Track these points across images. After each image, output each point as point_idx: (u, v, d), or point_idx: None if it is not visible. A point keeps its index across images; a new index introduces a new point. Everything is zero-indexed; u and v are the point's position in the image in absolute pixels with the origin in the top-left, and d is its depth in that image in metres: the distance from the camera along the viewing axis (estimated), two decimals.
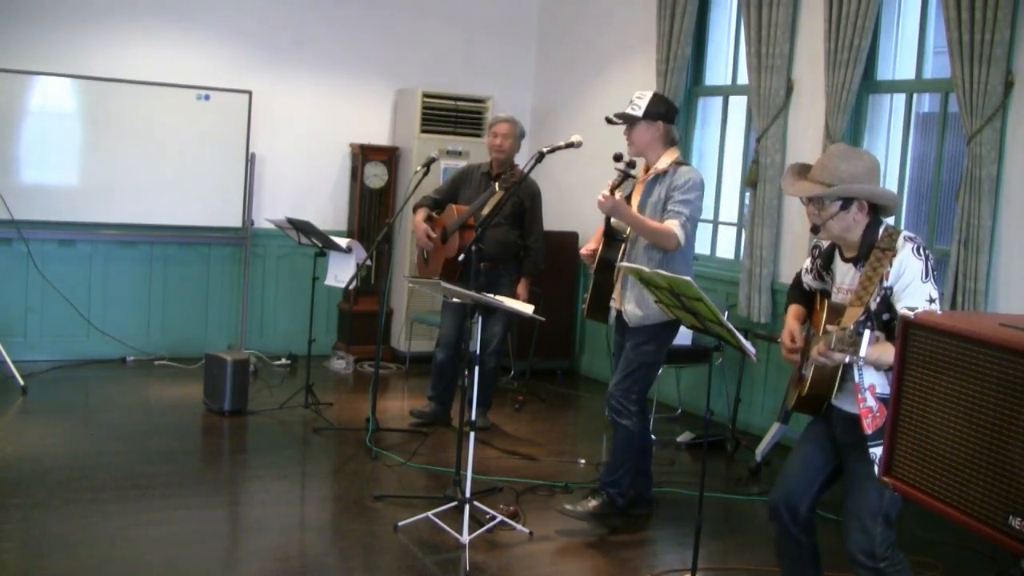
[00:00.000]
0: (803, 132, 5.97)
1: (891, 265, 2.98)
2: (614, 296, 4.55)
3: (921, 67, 5.60)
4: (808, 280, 3.40)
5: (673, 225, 4.29)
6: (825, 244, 3.30)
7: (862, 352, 2.74)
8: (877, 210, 3.11)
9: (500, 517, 4.41)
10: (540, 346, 7.32)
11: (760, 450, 5.52)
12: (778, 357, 6.00)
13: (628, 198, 4.53)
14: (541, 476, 5.18)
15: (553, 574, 4.09)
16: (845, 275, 3.17)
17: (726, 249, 6.81)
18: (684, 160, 4.48)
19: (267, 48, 7.48)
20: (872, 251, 3.05)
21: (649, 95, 4.44)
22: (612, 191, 4.30)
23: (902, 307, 2.93)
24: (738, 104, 6.73)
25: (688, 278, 3.52)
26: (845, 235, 3.12)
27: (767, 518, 3.35)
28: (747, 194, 6.27)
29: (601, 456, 5.76)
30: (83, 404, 6.16)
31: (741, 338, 3.60)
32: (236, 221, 7.34)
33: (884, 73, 5.75)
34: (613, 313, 4.59)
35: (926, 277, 2.96)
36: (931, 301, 2.94)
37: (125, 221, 7.04)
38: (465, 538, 4.11)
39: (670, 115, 4.49)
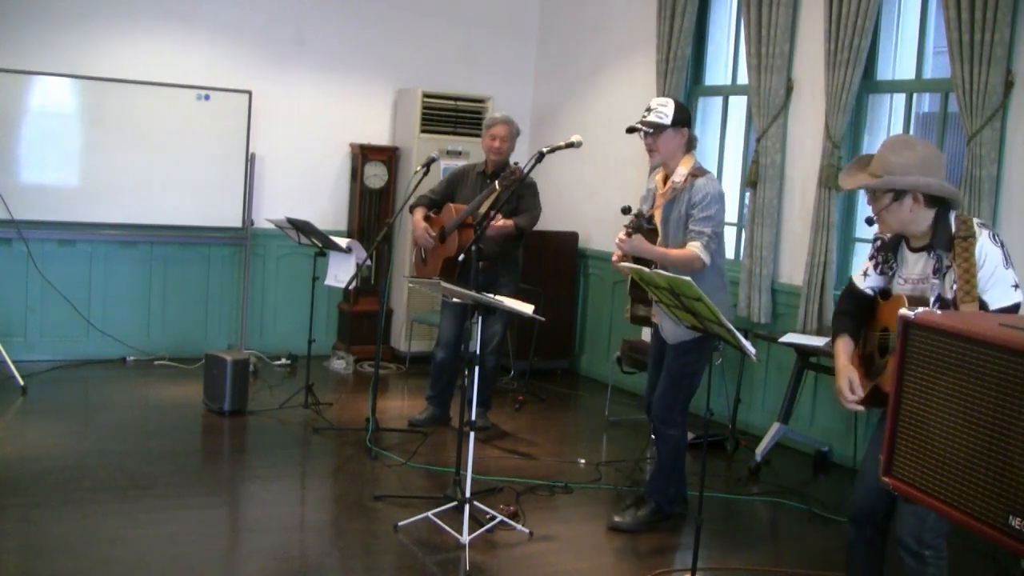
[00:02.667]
0: (803, 132, 5.97)
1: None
2: (651, 311, 4.50)
3: (921, 67, 5.59)
4: (871, 282, 3.23)
5: (695, 248, 4.24)
6: (888, 236, 3.20)
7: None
8: (943, 201, 3.03)
9: (500, 517, 4.41)
10: (540, 346, 7.32)
11: (760, 450, 5.52)
12: (778, 357, 6.00)
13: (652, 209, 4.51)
14: (541, 476, 5.18)
15: (553, 574, 4.08)
16: (915, 265, 3.10)
17: (726, 249, 6.80)
18: (700, 167, 4.42)
19: (267, 48, 7.48)
20: (954, 242, 2.96)
21: (671, 103, 4.39)
22: (629, 236, 4.22)
23: (988, 297, 2.89)
24: (738, 104, 6.73)
25: (688, 278, 3.52)
26: (905, 227, 3.06)
27: (850, 524, 3.28)
28: (747, 194, 6.27)
29: (601, 456, 5.76)
30: (83, 404, 6.17)
31: (741, 338, 3.60)
32: (236, 221, 7.34)
33: (884, 73, 5.75)
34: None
35: (1007, 264, 2.94)
36: (1015, 287, 2.92)
37: (125, 221, 7.04)
38: (465, 538, 4.11)
39: (690, 121, 4.48)
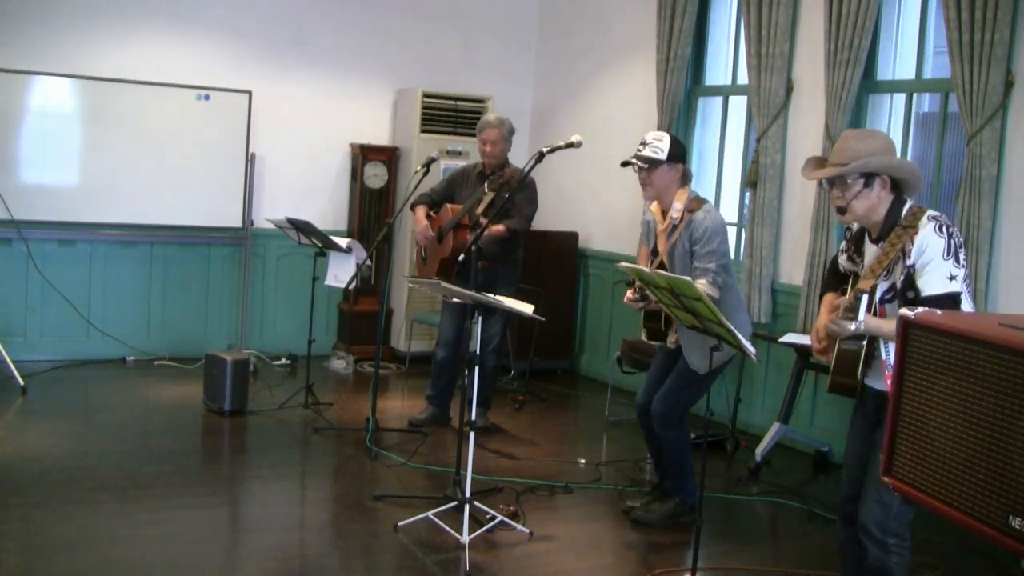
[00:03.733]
0: (803, 132, 5.97)
1: (913, 243, 3.00)
2: (671, 340, 4.51)
3: (921, 67, 5.59)
4: (842, 261, 3.39)
5: (702, 285, 4.20)
6: (856, 226, 3.29)
7: (860, 316, 2.87)
8: (900, 189, 3.12)
9: (500, 517, 4.41)
10: (540, 346, 7.32)
11: (760, 450, 5.52)
12: (778, 357, 6.00)
13: (655, 248, 4.50)
14: (541, 476, 5.18)
15: (553, 574, 4.08)
16: (873, 257, 3.17)
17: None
18: (696, 199, 4.40)
19: (267, 48, 7.48)
20: (894, 228, 3.06)
21: (666, 137, 4.37)
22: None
23: (921, 283, 2.96)
24: (738, 104, 6.73)
25: (687, 278, 3.52)
26: (870, 215, 3.12)
27: (838, 519, 3.36)
28: (747, 194, 6.27)
29: (601, 456, 5.76)
30: (83, 404, 6.17)
31: (741, 338, 3.60)
32: (236, 221, 7.34)
33: (884, 73, 5.75)
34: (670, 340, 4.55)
35: (948, 255, 2.97)
36: (951, 278, 2.95)
37: (125, 221, 7.04)
38: (465, 538, 4.11)
39: (685, 156, 4.46)
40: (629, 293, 4.30)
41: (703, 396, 4.53)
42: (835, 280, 3.45)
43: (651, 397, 4.58)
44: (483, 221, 5.31)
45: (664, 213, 4.45)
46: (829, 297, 3.39)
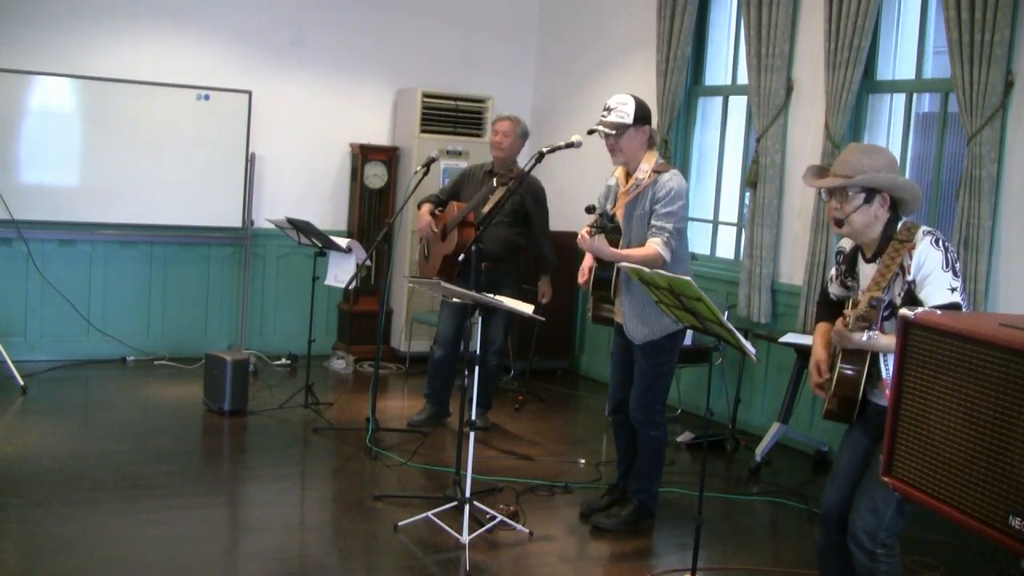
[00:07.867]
0: (803, 132, 5.97)
1: (911, 258, 3.00)
2: (615, 311, 4.48)
3: (921, 67, 5.60)
4: (834, 289, 3.36)
5: (655, 244, 4.21)
6: (848, 247, 3.28)
7: (877, 325, 2.82)
8: (897, 207, 3.11)
9: (500, 517, 4.41)
10: (540, 346, 7.32)
11: (760, 450, 5.52)
12: (778, 357, 6.00)
13: (613, 207, 4.49)
14: (541, 476, 5.18)
15: (553, 574, 4.08)
16: (870, 276, 3.14)
17: (726, 249, 6.81)
18: (664, 163, 4.39)
19: (267, 48, 7.48)
20: (890, 243, 3.05)
21: (631, 100, 4.33)
22: (591, 235, 4.21)
23: (923, 296, 2.95)
24: (738, 104, 6.73)
25: (688, 278, 3.51)
26: (867, 231, 3.11)
27: (819, 526, 3.33)
28: (747, 194, 6.27)
29: (601, 456, 5.76)
30: (83, 404, 6.17)
31: (741, 338, 3.60)
32: (236, 221, 7.34)
33: (884, 73, 5.75)
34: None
35: (946, 267, 2.97)
36: (952, 290, 2.95)
37: (125, 221, 7.04)
38: (465, 538, 4.11)
39: (650, 118, 4.44)
40: (585, 230, 4.20)
41: (671, 381, 4.52)
42: (828, 310, 3.39)
43: (622, 394, 4.53)
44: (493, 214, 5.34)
45: (628, 177, 4.41)
46: (824, 326, 3.32)
